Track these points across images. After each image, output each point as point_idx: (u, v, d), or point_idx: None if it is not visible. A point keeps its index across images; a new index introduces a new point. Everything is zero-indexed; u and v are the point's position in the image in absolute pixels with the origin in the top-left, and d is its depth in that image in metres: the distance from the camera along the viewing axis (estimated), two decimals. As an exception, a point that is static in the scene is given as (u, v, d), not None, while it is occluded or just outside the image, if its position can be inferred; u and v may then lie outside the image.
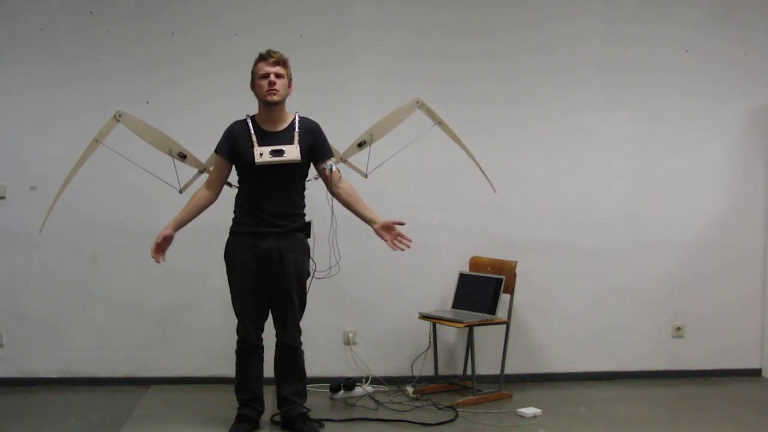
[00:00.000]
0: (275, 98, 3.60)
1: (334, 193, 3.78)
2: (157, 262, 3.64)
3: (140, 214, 4.57)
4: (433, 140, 4.71)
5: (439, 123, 4.24)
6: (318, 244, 3.90)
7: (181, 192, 4.00)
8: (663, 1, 4.90)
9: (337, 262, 3.94)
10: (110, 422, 3.91)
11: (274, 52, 3.63)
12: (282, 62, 3.64)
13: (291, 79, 3.70)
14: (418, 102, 4.17)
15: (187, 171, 4.10)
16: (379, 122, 4.12)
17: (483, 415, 4.12)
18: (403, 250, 3.69)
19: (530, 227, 4.81)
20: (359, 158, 4.17)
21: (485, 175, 4.31)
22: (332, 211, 3.91)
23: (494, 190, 4.36)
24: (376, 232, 3.71)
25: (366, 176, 4.13)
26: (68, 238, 4.55)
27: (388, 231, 3.69)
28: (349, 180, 3.84)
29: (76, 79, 4.53)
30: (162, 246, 3.64)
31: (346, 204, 3.77)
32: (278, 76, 3.61)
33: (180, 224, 3.69)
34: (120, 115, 3.96)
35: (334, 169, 3.71)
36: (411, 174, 4.71)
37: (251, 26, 4.60)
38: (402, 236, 3.68)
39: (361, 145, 4.09)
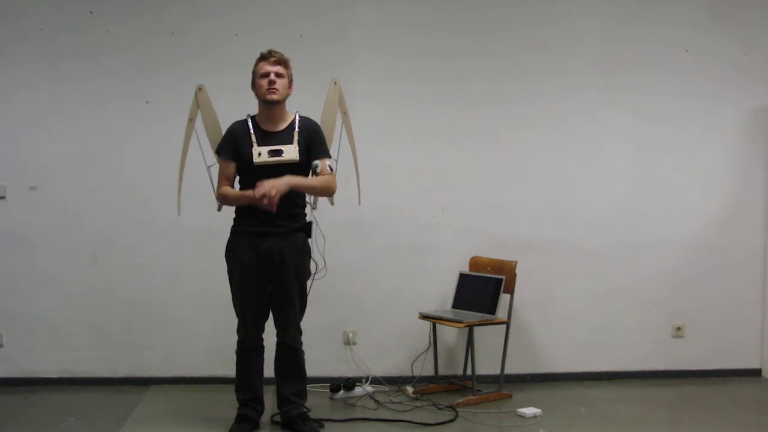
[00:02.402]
0: (275, 97, 3.60)
1: None
2: (273, 208, 3.46)
3: (140, 214, 4.57)
4: (433, 140, 4.73)
5: (344, 114, 4.04)
6: (335, 235, 3.93)
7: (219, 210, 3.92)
8: (663, 1, 4.90)
9: (324, 264, 3.91)
10: (110, 422, 3.91)
11: (275, 52, 3.64)
12: (283, 62, 3.64)
13: (292, 80, 3.70)
14: (335, 81, 3.97)
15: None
16: (322, 122, 3.94)
17: (483, 415, 4.12)
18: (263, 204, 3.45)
19: (530, 227, 4.81)
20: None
21: (358, 184, 4.09)
22: (313, 215, 3.90)
23: (359, 202, 4.12)
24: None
25: (332, 204, 3.99)
26: (68, 238, 4.55)
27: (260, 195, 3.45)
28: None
29: (76, 79, 4.53)
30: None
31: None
32: (278, 75, 3.61)
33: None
34: (200, 89, 3.90)
35: (319, 169, 3.67)
36: (411, 174, 4.71)
37: (251, 26, 4.60)
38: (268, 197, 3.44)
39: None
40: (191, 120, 3.92)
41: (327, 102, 3.96)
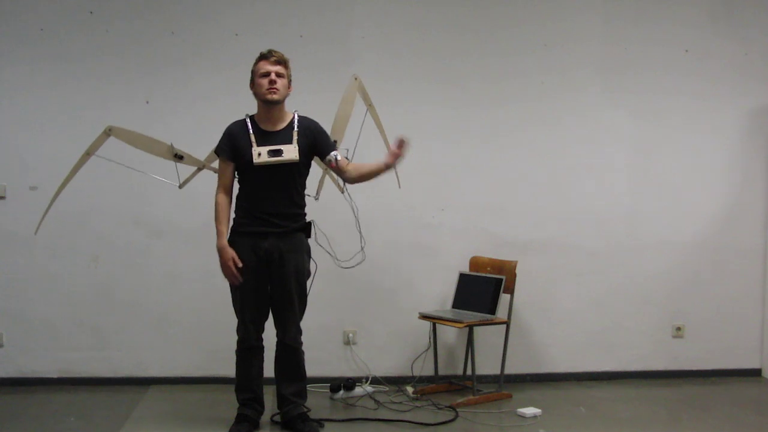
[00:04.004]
0: (275, 97, 3.60)
1: (348, 180, 3.77)
2: (237, 282, 3.64)
3: (140, 214, 4.57)
4: (433, 140, 4.73)
5: (369, 106, 4.11)
6: (338, 233, 4.09)
7: (180, 187, 3.99)
8: (663, 1, 4.90)
9: (362, 248, 3.94)
10: (110, 422, 3.91)
11: (275, 51, 3.64)
12: (283, 62, 3.64)
13: (291, 80, 3.70)
14: (356, 77, 4.05)
15: (187, 166, 4.13)
16: (335, 117, 4.04)
17: (483, 415, 4.12)
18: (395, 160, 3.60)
19: (530, 227, 4.81)
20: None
21: (396, 173, 4.25)
22: (350, 198, 3.93)
23: (399, 185, 4.37)
24: (388, 166, 3.62)
25: (343, 192, 4.14)
26: (68, 238, 4.55)
27: (394, 156, 3.59)
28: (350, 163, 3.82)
29: (76, 79, 4.53)
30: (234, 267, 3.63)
31: (360, 178, 3.72)
32: (279, 75, 3.61)
33: (226, 237, 3.67)
34: (110, 130, 4.01)
35: (339, 158, 3.68)
36: (411, 174, 4.71)
37: (251, 26, 4.59)
38: (398, 153, 3.59)
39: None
40: (88, 154, 4.07)
41: (344, 96, 4.01)
